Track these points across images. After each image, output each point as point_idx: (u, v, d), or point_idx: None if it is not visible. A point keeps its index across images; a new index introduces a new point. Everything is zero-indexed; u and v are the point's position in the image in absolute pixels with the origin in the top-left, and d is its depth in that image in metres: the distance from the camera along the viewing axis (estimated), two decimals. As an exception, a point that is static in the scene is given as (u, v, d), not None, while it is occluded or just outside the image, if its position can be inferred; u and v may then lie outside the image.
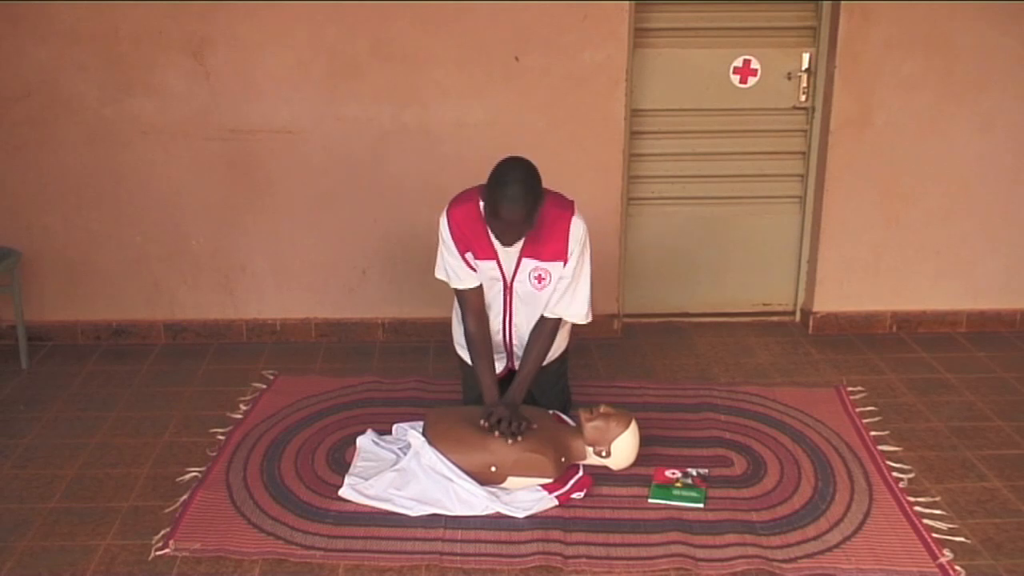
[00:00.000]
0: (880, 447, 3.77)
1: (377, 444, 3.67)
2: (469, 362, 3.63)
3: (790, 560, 3.07)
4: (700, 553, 3.11)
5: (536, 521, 3.27)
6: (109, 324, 4.77)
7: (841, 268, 4.85)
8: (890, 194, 4.75)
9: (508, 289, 3.53)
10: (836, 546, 3.15)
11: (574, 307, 3.52)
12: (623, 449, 3.53)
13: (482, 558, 3.09)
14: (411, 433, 3.58)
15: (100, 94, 4.46)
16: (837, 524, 3.27)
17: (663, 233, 4.92)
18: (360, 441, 3.68)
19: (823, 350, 4.72)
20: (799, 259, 5.00)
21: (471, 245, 3.44)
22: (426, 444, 3.47)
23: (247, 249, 4.71)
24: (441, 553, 3.10)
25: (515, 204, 3.18)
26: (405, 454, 3.56)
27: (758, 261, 5.00)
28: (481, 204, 3.35)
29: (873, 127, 4.64)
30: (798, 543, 3.17)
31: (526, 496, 3.37)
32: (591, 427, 3.49)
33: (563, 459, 3.48)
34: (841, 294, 4.89)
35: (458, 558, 3.09)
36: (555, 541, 3.16)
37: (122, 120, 4.49)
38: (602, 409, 3.51)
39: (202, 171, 4.57)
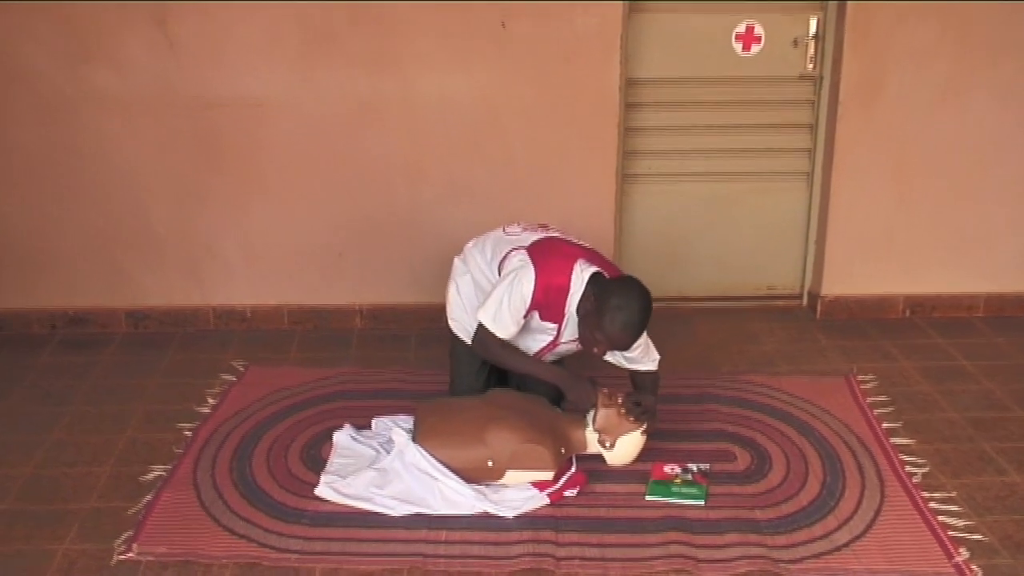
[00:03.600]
0: (892, 439, 3.78)
1: (356, 440, 3.67)
2: (469, 342, 3.66)
3: (796, 561, 3.09)
4: (701, 554, 3.12)
5: (526, 521, 3.28)
6: (66, 312, 4.76)
7: (851, 249, 4.86)
8: (903, 169, 4.75)
9: (552, 344, 3.64)
10: (845, 546, 3.17)
11: (652, 355, 3.68)
12: (627, 446, 3.54)
13: (468, 560, 3.10)
14: (395, 431, 3.58)
15: (55, 64, 4.43)
16: (846, 522, 3.28)
17: (661, 212, 4.92)
18: (337, 437, 3.68)
19: (832, 336, 4.74)
20: (806, 239, 5.01)
21: (542, 310, 3.53)
22: (410, 442, 3.47)
23: (215, 231, 4.69)
24: (424, 555, 3.11)
25: (630, 339, 3.40)
26: (386, 450, 3.57)
27: (762, 242, 5.01)
28: (572, 280, 3.46)
29: (885, 98, 4.64)
30: (805, 542, 3.18)
31: (515, 495, 3.38)
32: (605, 413, 3.51)
33: (563, 450, 3.49)
34: (851, 276, 4.90)
35: (442, 560, 3.09)
36: (546, 542, 3.17)
37: (79, 92, 4.46)
38: (621, 400, 3.53)
39: (166, 147, 4.55)
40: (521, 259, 3.51)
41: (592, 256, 3.58)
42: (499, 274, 3.60)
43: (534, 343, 3.64)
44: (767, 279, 5.08)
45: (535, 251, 3.53)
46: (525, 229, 3.73)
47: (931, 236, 4.86)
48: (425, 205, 4.66)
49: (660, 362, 3.69)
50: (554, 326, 3.57)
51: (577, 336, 3.55)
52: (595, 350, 3.48)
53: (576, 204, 4.67)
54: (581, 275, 3.46)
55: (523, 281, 3.46)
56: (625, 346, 3.46)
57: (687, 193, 4.91)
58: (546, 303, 3.50)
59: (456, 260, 3.84)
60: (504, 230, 3.77)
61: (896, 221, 4.82)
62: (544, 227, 3.79)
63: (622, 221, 4.86)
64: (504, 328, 3.50)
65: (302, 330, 4.79)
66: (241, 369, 4.34)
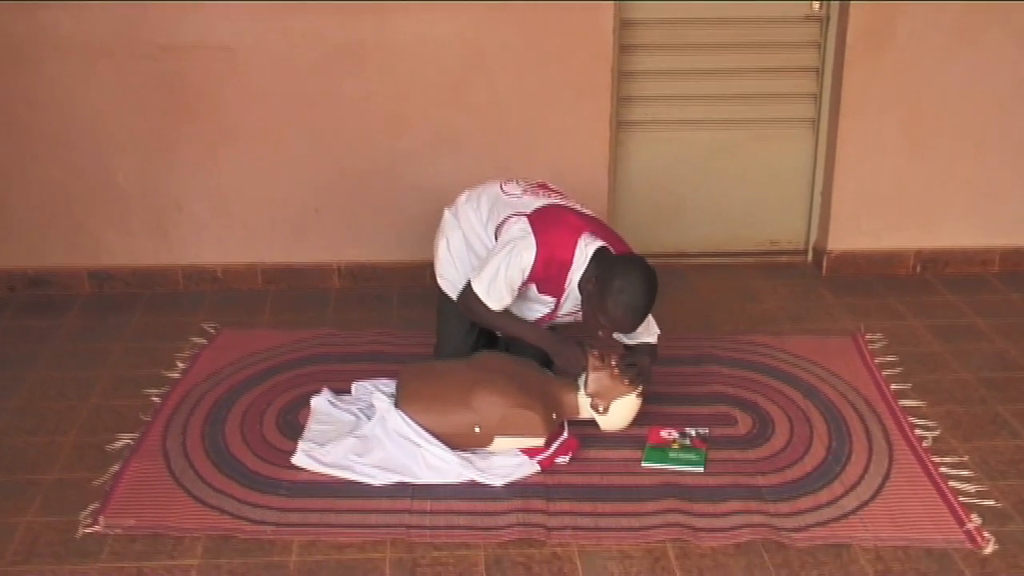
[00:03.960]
0: (901, 402, 3.80)
1: (334, 405, 3.68)
2: (455, 299, 3.66)
3: (800, 529, 3.11)
4: (699, 522, 3.15)
5: (515, 489, 3.30)
6: (25, 273, 4.74)
7: (859, 201, 4.86)
8: (915, 116, 4.75)
9: (549, 316, 3.64)
10: (852, 512, 3.19)
11: (652, 330, 3.69)
12: (622, 410, 3.55)
13: (454, 531, 3.11)
14: (376, 395, 3.59)
15: (8, 7, 4.38)
16: (853, 488, 3.31)
17: (657, 162, 4.91)
18: (315, 402, 3.69)
19: (838, 293, 4.75)
20: (811, 191, 5.01)
21: (540, 284, 3.53)
22: (392, 408, 3.48)
23: (182, 185, 4.67)
24: (408, 526, 3.12)
25: (634, 323, 3.43)
26: (367, 416, 3.58)
27: (765, 193, 5.00)
28: (575, 255, 3.44)
29: (896, 40, 4.62)
30: (809, 510, 3.20)
31: (504, 462, 3.40)
32: (597, 377, 3.52)
33: (554, 415, 3.50)
34: (859, 230, 4.90)
35: (427, 532, 3.11)
36: (537, 511, 3.19)
37: (33, 35, 4.42)
38: (615, 362, 3.53)
39: (130, 95, 4.52)
40: (522, 228, 3.49)
41: (597, 228, 3.56)
42: (495, 239, 3.59)
43: (530, 313, 3.64)
44: (770, 233, 5.09)
45: (537, 220, 3.50)
46: (525, 191, 3.69)
47: (944, 187, 4.86)
48: (406, 156, 4.64)
49: (659, 333, 3.71)
50: (552, 300, 3.57)
51: (577, 310, 3.56)
52: (599, 333, 3.48)
53: (567, 154, 4.66)
54: (585, 250, 3.45)
55: (523, 253, 3.44)
56: (629, 329, 3.48)
57: (685, 142, 4.89)
58: (545, 277, 3.50)
59: (447, 213, 3.82)
60: (502, 188, 3.73)
61: (907, 171, 4.82)
62: (543, 187, 3.77)
63: (616, 172, 4.85)
64: (498, 300, 3.50)
65: (276, 290, 4.79)
66: (212, 332, 4.34)
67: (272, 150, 4.63)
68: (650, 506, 3.22)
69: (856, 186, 4.84)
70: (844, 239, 4.92)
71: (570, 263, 3.46)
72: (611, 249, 3.50)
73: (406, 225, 4.72)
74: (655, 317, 3.64)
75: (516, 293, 3.52)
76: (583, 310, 3.50)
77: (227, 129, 4.60)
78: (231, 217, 4.73)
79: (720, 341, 4.25)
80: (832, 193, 4.86)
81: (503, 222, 3.57)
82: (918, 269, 4.95)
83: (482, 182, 3.84)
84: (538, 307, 3.62)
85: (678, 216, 5.00)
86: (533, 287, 3.54)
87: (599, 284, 3.38)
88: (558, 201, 3.64)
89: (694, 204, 4.99)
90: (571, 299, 3.55)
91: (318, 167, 4.66)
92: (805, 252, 5.10)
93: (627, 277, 3.35)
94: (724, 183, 4.96)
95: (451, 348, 3.79)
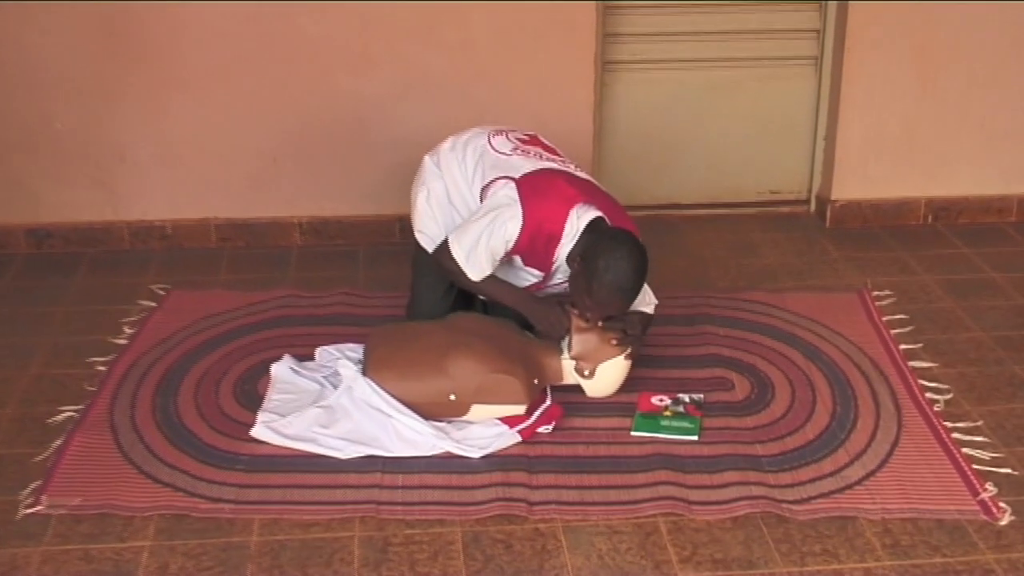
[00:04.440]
0: (911, 363, 3.82)
1: (297, 372, 3.68)
2: (433, 251, 3.66)
3: (802, 501, 3.13)
4: (694, 495, 3.16)
5: (495, 461, 3.30)
6: (-44, 231, 4.73)
7: (865, 146, 4.86)
8: (926, 52, 4.74)
9: (536, 287, 3.65)
10: (858, 483, 3.21)
11: (648, 300, 3.70)
12: (610, 375, 3.56)
13: (429, 507, 3.12)
14: (342, 362, 3.59)
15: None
16: (859, 457, 3.33)
17: (647, 105, 4.90)
18: (275, 369, 3.69)
19: (843, 246, 4.76)
20: (814, 135, 5.01)
21: (526, 256, 3.53)
22: (359, 376, 3.48)
23: (127, 134, 4.64)
24: (378, 503, 3.13)
25: (620, 304, 3.45)
26: (332, 384, 3.59)
27: (764, 138, 5.00)
28: (566, 229, 3.45)
29: (905, -32, 4.63)
30: (812, 480, 3.22)
31: (482, 432, 3.40)
32: (582, 339, 3.52)
33: (535, 381, 3.51)
34: (865, 178, 4.91)
35: (399, 508, 3.11)
36: (518, 485, 3.20)
37: (-40, -29, 4.38)
38: (600, 323, 3.53)
39: (67, 35, 4.48)
40: (508, 195, 3.48)
41: (593, 196, 3.55)
42: (480, 201, 3.59)
43: (517, 281, 3.65)
44: (769, 182, 5.09)
45: (526, 187, 3.49)
46: (516, 149, 3.67)
47: (958, 130, 4.87)
48: (373, 100, 4.62)
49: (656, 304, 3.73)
50: (540, 273, 3.59)
51: (567, 282, 3.57)
52: (587, 316, 3.50)
53: (549, 97, 4.65)
54: (577, 223, 3.46)
55: (507, 223, 3.45)
56: (617, 311, 3.49)
57: (677, 83, 4.89)
58: (531, 250, 3.50)
59: (427, 160, 3.80)
60: (490, 142, 3.71)
61: (917, 112, 4.83)
62: (535, 141, 3.77)
63: (602, 116, 4.85)
64: (477, 269, 3.51)
65: (232, 248, 4.78)
66: (162, 294, 4.33)
67: (225, 94, 4.60)
68: (640, 478, 3.23)
69: (862, 129, 4.84)
70: (849, 187, 4.93)
71: (559, 237, 3.46)
72: (607, 220, 3.50)
73: (374, 175, 4.70)
74: (647, 280, 3.64)
75: (497, 264, 3.53)
76: (570, 289, 3.52)
77: (175, 71, 4.56)
78: (181, 168, 4.71)
79: (715, 299, 4.26)
80: (836, 137, 4.86)
81: (489, 184, 3.57)
82: (929, 219, 4.96)
83: (466, 129, 3.83)
84: (524, 276, 3.63)
85: (670, 164, 5.00)
86: (518, 259, 3.55)
87: (583, 263, 3.39)
88: (552, 164, 3.63)
89: (687, 151, 4.98)
90: (561, 272, 3.57)
91: (276, 112, 4.63)
92: (807, 202, 5.11)
93: (612, 255, 3.35)
94: (720, 128, 4.96)
95: (426, 309, 3.79)
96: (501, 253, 3.50)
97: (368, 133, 4.66)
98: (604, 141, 4.89)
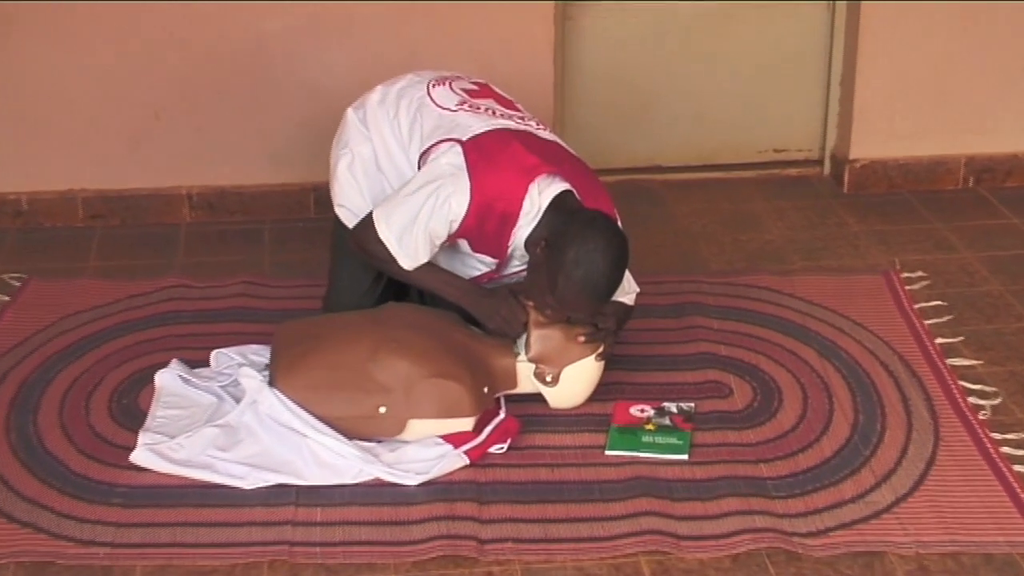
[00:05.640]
0: (950, 360, 3.84)
1: (187, 382, 3.67)
2: (352, 228, 3.64)
3: (817, 533, 3.13)
4: (684, 528, 3.15)
5: (436, 490, 3.30)
6: None
7: (890, 94, 4.90)
8: (964, -22, 4.78)
9: (488, 276, 3.64)
10: (886, 510, 3.21)
11: (628, 288, 3.69)
12: (578, 379, 3.56)
13: (354, 549, 3.11)
14: (244, 369, 3.58)
15: None
16: (887, 478, 3.34)
17: (620, 43, 4.92)
18: (161, 379, 3.67)
19: (864, 217, 4.79)
20: (827, 82, 5.04)
21: (474, 241, 3.52)
22: (265, 386, 3.47)
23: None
24: (291, 543, 3.11)
25: (591, 304, 3.43)
26: (232, 396, 3.58)
27: (766, 86, 5.04)
28: (524, 206, 3.42)
29: None
30: (829, 507, 3.22)
31: (420, 454, 3.40)
32: (543, 336, 3.52)
33: (485, 389, 3.50)
34: (891, 132, 4.94)
35: (317, 550, 3.10)
36: (466, 519, 3.19)
37: None
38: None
39: None
40: (453, 163, 3.46)
41: (559, 163, 3.53)
42: (419, 167, 3.57)
43: (464, 271, 3.65)
44: (772, 138, 5.13)
45: (475, 153, 3.47)
46: (463, 103, 3.65)
47: (1002, 74, 4.92)
48: (278, 40, 4.63)
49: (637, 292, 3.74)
50: (493, 260, 3.58)
51: (523, 268, 3.57)
52: (547, 313, 3.48)
53: (499, 35, 4.67)
54: (538, 198, 3.44)
55: (451, 199, 3.42)
56: (586, 312, 3.48)
57: (657, 18, 4.91)
58: (481, 233, 3.49)
59: (351, 115, 3.78)
60: (430, 94, 3.68)
61: (953, 54, 4.86)
62: (485, 91, 3.76)
63: (565, 59, 4.86)
64: (410, 255, 3.49)
65: (105, 227, 4.78)
66: (16, 285, 4.32)
67: (91, 33, 4.58)
68: (618, 508, 3.22)
69: (887, 74, 4.87)
70: (872, 144, 4.96)
71: (515, 217, 3.45)
72: (575, 194, 3.49)
73: (281, 135, 4.71)
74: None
75: (437, 249, 3.52)
76: (527, 280, 3.51)
77: (30, 11, 4.53)
78: (38, 129, 4.71)
79: (708, 284, 4.28)
80: (855, 83, 4.89)
81: (429, 150, 3.55)
82: (970, 182, 5.01)
83: (399, 76, 3.81)
84: (474, 264, 3.63)
85: (648, 117, 5.02)
86: (465, 244, 3.54)
87: (548, 252, 3.37)
88: (509, 123, 3.60)
89: (671, 101, 5.01)
90: (518, 257, 3.56)
91: (156, 58, 4.63)
92: (820, 162, 5.15)
93: (585, 246, 3.33)
94: (711, 73, 4.99)
95: (348, 300, 3.78)
96: (443, 236, 3.48)
97: (274, 82, 4.66)
98: (567, 89, 4.90)
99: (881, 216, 4.78)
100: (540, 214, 3.44)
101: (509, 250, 3.53)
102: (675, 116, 5.01)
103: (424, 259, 3.51)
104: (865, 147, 4.95)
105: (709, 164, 5.09)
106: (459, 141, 3.50)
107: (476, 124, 3.56)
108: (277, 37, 4.61)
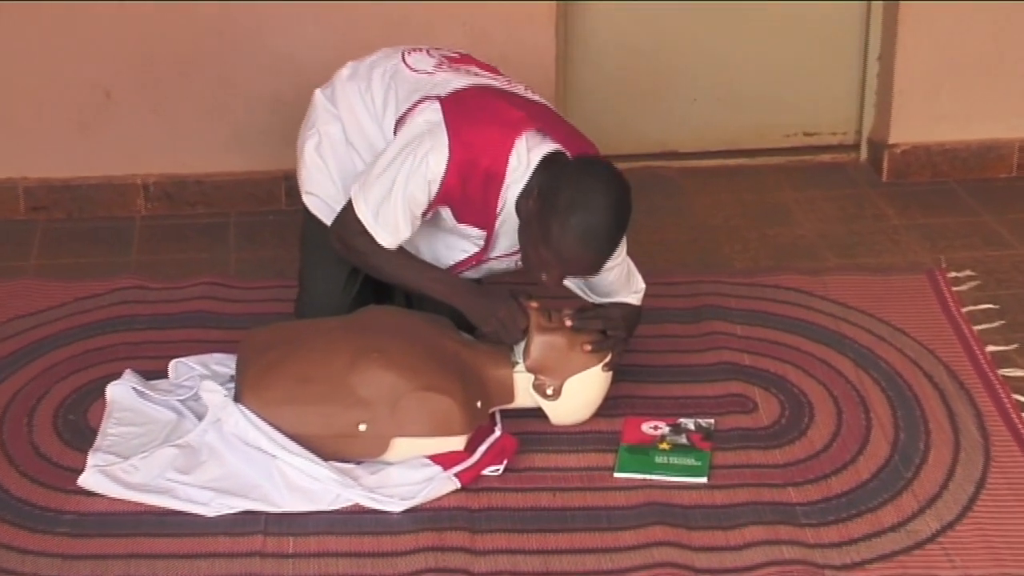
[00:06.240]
0: (1002, 371, 3.84)
1: (143, 396, 3.66)
2: (331, 224, 3.63)
3: (853, 566, 3.12)
4: (702, 560, 3.15)
5: (423, 517, 3.29)
6: None
7: (935, 70, 4.90)
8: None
9: (477, 257, 3.62)
10: (930, 539, 3.20)
11: (634, 286, 3.71)
12: (582, 393, 3.57)
13: (331, 584, 3.11)
14: (206, 383, 3.57)
15: None
16: (931, 503, 3.33)
17: (631, 16, 4.93)
18: (113, 392, 3.67)
19: (906, 209, 4.80)
20: (863, 59, 5.05)
21: (457, 207, 3.49)
22: (230, 401, 3.47)
23: None
24: (260, 577, 3.11)
25: (593, 257, 3.38)
26: (193, 412, 3.58)
27: (795, 61, 5.05)
28: (510, 163, 3.40)
29: None
30: (866, 536, 3.21)
31: (405, 476, 3.39)
32: (544, 343, 3.51)
33: (479, 403, 3.51)
34: (935, 114, 4.95)
35: (290, 585, 3.10)
36: (456, 550, 3.18)
37: None
38: (567, 320, 3.53)
39: None
40: (429, 120, 3.45)
41: (547, 122, 3.52)
42: (395, 135, 3.56)
43: (448, 254, 3.64)
44: (803, 121, 5.14)
45: (454, 107, 3.46)
46: (439, 64, 3.66)
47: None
48: (241, 14, 4.63)
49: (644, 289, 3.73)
50: (480, 232, 3.56)
51: (517, 248, 3.54)
52: (542, 277, 3.45)
53: (492, 8, 4.67)
54: (527, 155, 3.42)
55: (428, 156, 3.40)
56: (587, 268, 3.44)
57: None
58: (464, 197, 3.47)
59: (318, 96, 3.79)
60: (404, 59, 3.68)
61: (1006, 25, 4.87)
62: (466, 59, 3.76)
63: (568, 34, 4.87)
64: (391, 230, 3.47)
65: (49, 220, 4.80)
66: (-50, 286, 4.31)
67: (33, 4, 4.57)
68: (628, 537, 3.22)
69: (931, 48, 4.87)
70: (913, 127, 4.96)
71: (502, 176, 3.43)
72: (568, 153, 3.47)
73: (246, 119, 4.73)
74: (633, 259, 3.62)
75: (418, 220, 3.49)
76: (520, 242, 3.47)
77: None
78: (-27, 109, 4.71)
79: (730, 285, 4.28)
80: (895, 59, 4.89)
81: (407, 113, 3.53)
82: (1024, 171, 5.01)
83: (370, 51, 3.80)
84: (459, 244, 3.62)
85: (664, 98, 5.04)
86: (448, 212, 3.52)
87: (541, 200, 3.35)
88: (492, 82, 3.61)
89: (687, 79, 5.03)
90: (508, 231, 3.53)
91: (107, 32, 4.64)
92: (856, 147, 5.16)
93: (581, 187, 3.31)
94: (733, 47, 5.00)
95: (324, 301, 3.78)
96: (423, 203, 3.45)
97: (237, 60, 4.68)
98: (572, 67, 4.91)
99: (924, 208, 4.78)
100: (529, 173, 3.41)
101: (498, 218, 3.50)
102: (693, 95, 5.02)
103: (406, 234, 3.48)
104: (906, 130, 4.96)
105: (731, 150, 5.09)
106: (437, 97, 3.49)
107: (456, 80, 3.55)
108: (241, 8, 4.61)
